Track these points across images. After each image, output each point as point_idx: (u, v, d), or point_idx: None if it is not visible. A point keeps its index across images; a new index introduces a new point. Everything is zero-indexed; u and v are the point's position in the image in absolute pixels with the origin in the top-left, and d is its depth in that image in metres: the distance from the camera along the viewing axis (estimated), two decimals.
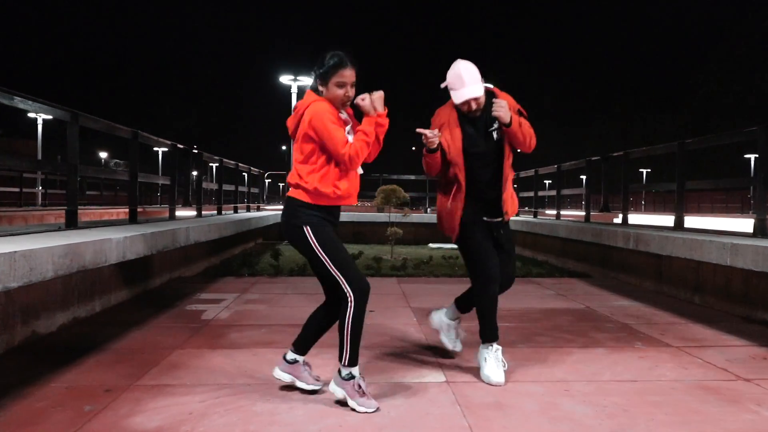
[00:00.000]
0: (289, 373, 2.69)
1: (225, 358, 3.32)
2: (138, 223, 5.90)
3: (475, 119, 2.96)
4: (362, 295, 2.49)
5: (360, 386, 2.47)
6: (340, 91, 2.51)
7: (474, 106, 2.88)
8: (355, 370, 2.50)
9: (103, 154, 40.77)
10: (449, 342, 3.29)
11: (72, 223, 4.62)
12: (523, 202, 13.32)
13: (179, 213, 8.36)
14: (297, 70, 12.28)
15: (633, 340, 3.90)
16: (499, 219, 3.03)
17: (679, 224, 6.15)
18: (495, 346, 2.97)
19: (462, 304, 3.25)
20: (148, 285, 5.48)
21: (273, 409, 2.53)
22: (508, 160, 2.99)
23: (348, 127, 2.57)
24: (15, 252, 2.71)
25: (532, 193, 11.92)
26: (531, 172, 11.65)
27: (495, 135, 2.94)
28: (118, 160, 40.42)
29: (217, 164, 10.00)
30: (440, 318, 3.34)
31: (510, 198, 3.05)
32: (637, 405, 2.64)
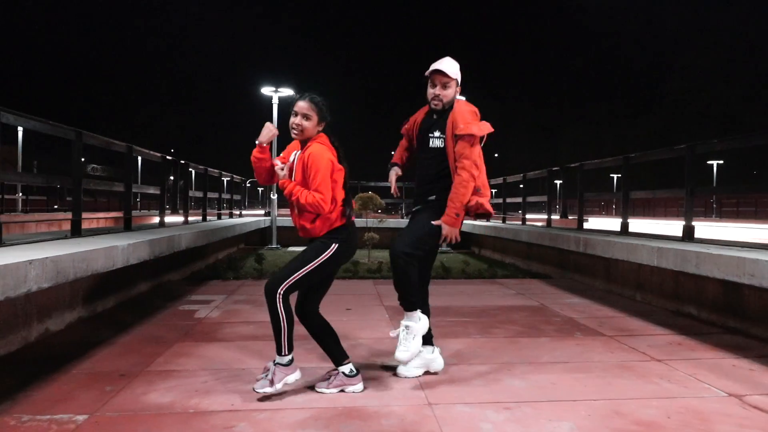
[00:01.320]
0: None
1: (220, 348, 3.83)
2: (132, 230, 6.35)
3: (432, 123, 3.17)
4: None
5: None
6: (291, 119, 2.90)
7: (439, 87, 3.07)
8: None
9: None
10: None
11: (77, 231, 5.08)
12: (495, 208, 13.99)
13: (166, 219, 8.77)
14: (278, 82, 12.74)
15: (574, 331, 4.51)
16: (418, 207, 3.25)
17: (624, 229, 6.84)
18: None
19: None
20: (140, 288, 5.93)
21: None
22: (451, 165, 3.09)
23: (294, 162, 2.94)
24: (46, 258, 3.18)
25: (501, 200, 12.61)
26: (500, 180, 12.34)
27: (432, 142, 3.15)
28: (95, 165, 40.20)
29: (202, 172, 10.45)
30: None
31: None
32: (563, 380, 3.24)
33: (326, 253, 2.88)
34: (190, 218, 9.89)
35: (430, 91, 3.12)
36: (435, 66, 3.10)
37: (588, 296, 6.21)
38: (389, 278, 7.67)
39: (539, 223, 11.21)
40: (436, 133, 3.15)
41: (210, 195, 11.49)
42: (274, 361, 2.87)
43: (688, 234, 5.61)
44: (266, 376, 2.86)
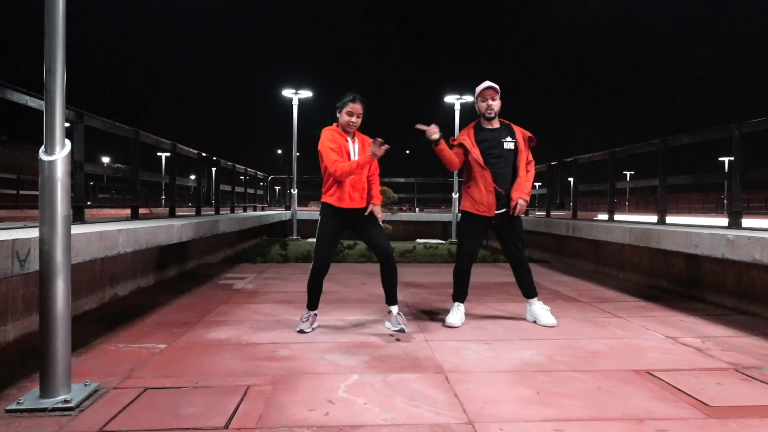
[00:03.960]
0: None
1: (258, 308, 4.68)
2: (175, 217, 7.27)
3: (498, 132, 3.98)
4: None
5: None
6: (347, 118, 3.63)
7: (489, 100, 3.91)
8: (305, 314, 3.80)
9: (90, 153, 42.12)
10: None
11: (135, 216, 5.99)
12: None
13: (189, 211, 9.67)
14: (298, 84, 13.62)
15: (556, 299, 5.28)
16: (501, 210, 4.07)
17: (610, 217, 7.58)
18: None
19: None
20: (183, 267, 6.82)
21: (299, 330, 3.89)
22: (522, 164, 4.00)
23: (356, 147, 3.68)
24: (129, 228, 4.05)
25: None
26: None
27: (506, 145, 3.97)
28: (120, 165, 41.84)
29: (230, 168, 11.40)
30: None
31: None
32: (536, 329, 4.02)
33: None
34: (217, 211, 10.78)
35: (483, 105, 3.97)
36: (486, 84, 3.94)
37: (577, 276, 6.95)
38: (400, 262, 8.55)
39: (540, 213, 11.91)
40: (508, 138, 4.00)
41: (236, 189, 12.43)
42: (396, 311, 3.85)
43: (662, 219, 6.34)
44: (398, 322, 3.81)
